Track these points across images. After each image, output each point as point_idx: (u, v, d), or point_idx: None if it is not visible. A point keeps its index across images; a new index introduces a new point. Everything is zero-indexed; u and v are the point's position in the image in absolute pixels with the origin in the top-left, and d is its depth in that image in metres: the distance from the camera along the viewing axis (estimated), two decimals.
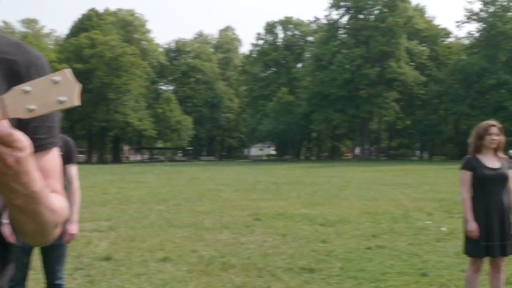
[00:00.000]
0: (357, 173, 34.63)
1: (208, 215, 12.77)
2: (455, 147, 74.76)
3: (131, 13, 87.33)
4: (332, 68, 69.57)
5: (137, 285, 6.37)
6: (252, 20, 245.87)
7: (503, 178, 4.99)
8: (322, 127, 73.61)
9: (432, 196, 17.07)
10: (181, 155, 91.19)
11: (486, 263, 5.18)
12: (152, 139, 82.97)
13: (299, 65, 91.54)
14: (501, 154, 5.13)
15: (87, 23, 74.13)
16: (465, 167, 5.09)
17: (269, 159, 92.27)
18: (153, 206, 14.76)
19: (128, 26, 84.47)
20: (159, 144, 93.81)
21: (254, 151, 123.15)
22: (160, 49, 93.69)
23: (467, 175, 5.07)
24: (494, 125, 5.07)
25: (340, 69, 69.08)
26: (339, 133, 79.52)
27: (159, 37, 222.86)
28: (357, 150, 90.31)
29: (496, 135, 5.03)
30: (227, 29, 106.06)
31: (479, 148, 5.09)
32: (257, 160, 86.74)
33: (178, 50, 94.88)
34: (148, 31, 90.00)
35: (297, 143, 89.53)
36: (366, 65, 70.27)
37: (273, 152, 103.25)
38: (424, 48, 76.65)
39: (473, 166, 5.03)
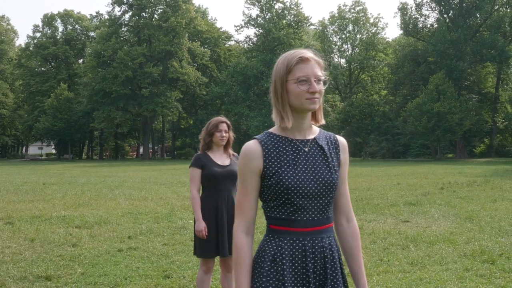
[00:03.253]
0: (135, 172, 34.10)
1: None
2: (235, 146, 77.50)
3: None
4: (114, 65, 68.01)
5: None
6: (29, 11, 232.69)
7: (233, 175, 4.93)
8: (104, 126, 71.56)
9: None
10: None
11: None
12: None
13: (80, 60, 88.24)
14: (231, 151, 5.08)
15: None
16: (194, 164, 4.95)
17: (48, 159, 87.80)
18: None
19: None
20: None
21: (33, 150, 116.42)
22: None
23: (196, 172, 4.93)
24: (224, 122, 5.00)
25: (122, 67, 67.78)
26: (122, 132, 78.12)
27: None
28: (142, 150, 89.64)
29: (225, 132, 4.96)
30: (1, 18, 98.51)
31: (209, 145, 4.99)
32: (34, 159, 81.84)
33: None
34: None
35: (79, 141, 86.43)
36: (149, 63, 69.97)
37: (53, 151, 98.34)
38: (206, 49, 78.24)
39: (203, 164, 4.91)
